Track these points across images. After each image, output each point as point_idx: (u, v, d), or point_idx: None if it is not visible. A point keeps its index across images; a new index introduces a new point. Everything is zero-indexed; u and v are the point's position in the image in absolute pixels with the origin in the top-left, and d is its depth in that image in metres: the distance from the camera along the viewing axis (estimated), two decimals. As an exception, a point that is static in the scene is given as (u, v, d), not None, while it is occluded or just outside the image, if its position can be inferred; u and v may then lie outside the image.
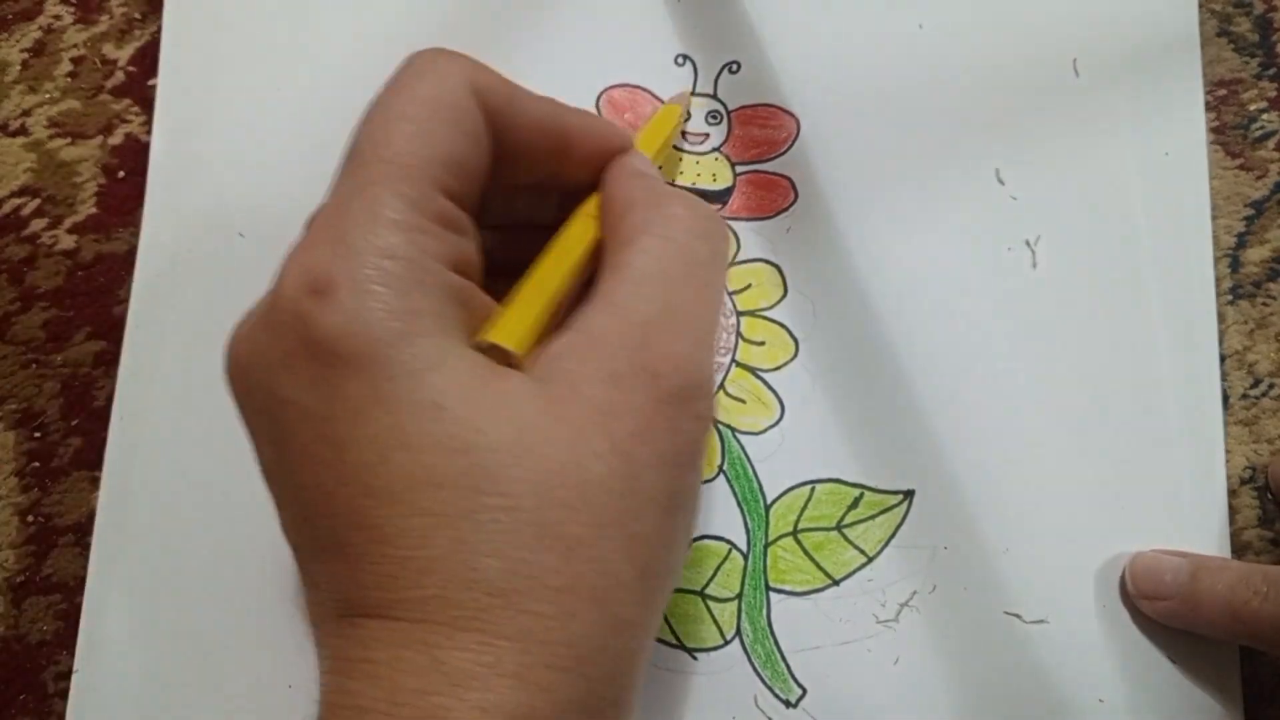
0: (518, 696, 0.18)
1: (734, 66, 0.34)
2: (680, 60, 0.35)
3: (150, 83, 0.35)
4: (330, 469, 0.19)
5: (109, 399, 0.33)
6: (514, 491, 0.18)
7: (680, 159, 0.34)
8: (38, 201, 0.35)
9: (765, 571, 0.31)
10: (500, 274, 0.23)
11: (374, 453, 0.19)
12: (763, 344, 0.33)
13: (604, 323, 0.21)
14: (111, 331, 0.34)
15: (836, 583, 0.31)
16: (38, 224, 0.35)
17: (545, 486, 0.19)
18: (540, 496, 0.19)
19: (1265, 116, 0.34)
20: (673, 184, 0.34)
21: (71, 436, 0.33)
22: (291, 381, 0.19)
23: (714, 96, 0.34)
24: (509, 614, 0.18)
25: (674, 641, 0.31)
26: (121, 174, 0.35)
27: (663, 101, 0.34)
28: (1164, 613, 0.30)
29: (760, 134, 0.34)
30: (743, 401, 0.32)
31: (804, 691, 0.30)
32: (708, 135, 0.34)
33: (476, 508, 0.18)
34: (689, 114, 0.34)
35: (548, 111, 0.24)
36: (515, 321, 0.21)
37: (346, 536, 0.19)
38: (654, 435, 0.20)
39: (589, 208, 0.24)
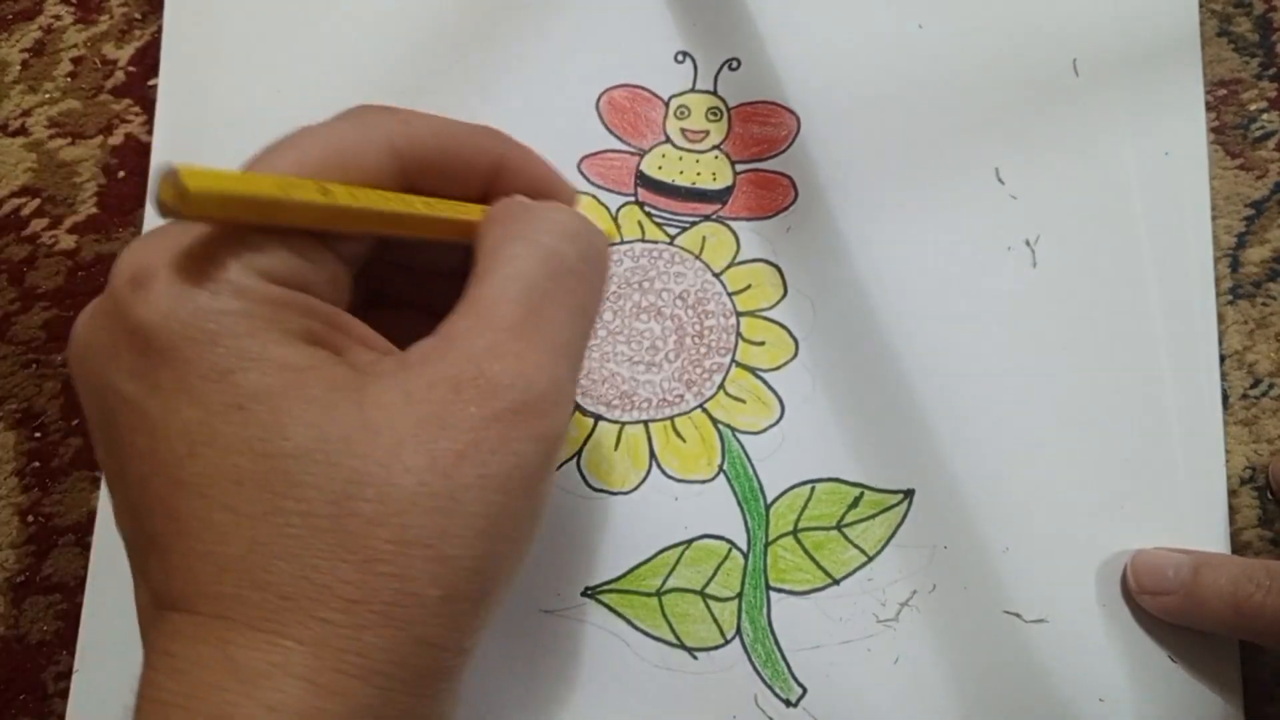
0: (307, 698, 0.18)
1: (734, 64, 0.34)
2: (680, 57, 0.35)
3: (150, 83, 0.35)
4: (146, 458, 0.19)
5: (109, 399, 0.33)
6: (310, 498, 0.18)
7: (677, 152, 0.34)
8: (38, 201, 0.35)
9: (765, 571, 0.31)
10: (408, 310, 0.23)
11: (184, 445, 0.19)
12: (763, 344, 0.33)
13: (461, 326, 0.20)
14: (111, 331, 0.34)
15: (837, 582, 0.31)
16: (38, 224, 0.35)
17: (345, 497, 0.18)
18: (338, 506, 0.18)
19: (1265, 116, 0.34)
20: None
21: (71, 436, 0.33)
22: (115, 368, 0.19)
23: (714, 93, 0.34)
24: (300, 618, 0.18)
25: (674, 641, 0.31)
26: (121, 174, 0.35)
27: (663, 100, 0.34)
28: (1166, 608, 0.30)
29: (760, 131, 0.34)
30: (743, 401, 0.32)
31: (804, 691, 0.30)
32: (708, 133, 0.34)
33: (273, 510, 0.18)
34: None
35: (485, 158, 0.24)
36: (224, 175, 0.19)
37: (158, 527, 0.19)
38: (480, 454, 0.19)
39: (460, 207, 0.23)
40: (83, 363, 0.20)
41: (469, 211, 0.23)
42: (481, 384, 0.19)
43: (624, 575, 0.31)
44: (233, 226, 0.20)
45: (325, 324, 0.21)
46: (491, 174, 0.24)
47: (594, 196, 0.33)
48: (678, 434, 0.32)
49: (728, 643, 0.31)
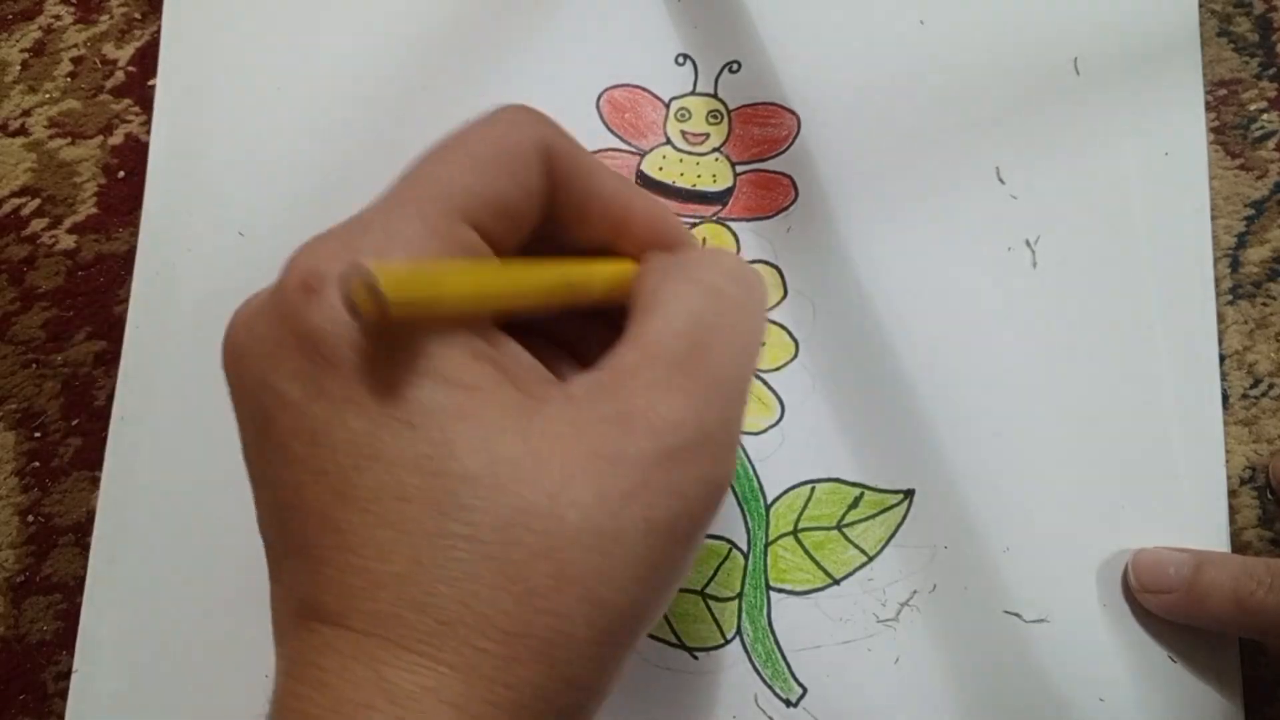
0: None
1: (734, 66, 0.34)
2: (681, 60, 0.35)
3: (150, 83, 0.35)
4: (305, 465, 0.19)
5: (109, 399, 0.33)
6: (477, 523, 0.18)
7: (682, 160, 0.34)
8: (38, 201, 0.35)
9: (766, 571, 0.31)
10: (542, 332, 0.23)
11: (348, 457, 0.18)
12: (763, 344, 0.33)
13: (629, 359, 0.20)
14: (111, 331, 0.34)
15: (837, 582, 0.31)
16: (38, 224, 0.35)
17: (510, 526, 0.18)
18: (503, 534, 0.18)
19: (1265, 116, 0.34)
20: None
21: (71, 436, 0.33)
22: (279, 370, 0.19)
23: (714, 96, 0.34)
24: (455, 644, 0.18)
25: (674, 640, 0.31)
26: (121, 174, 0.35)
27: (664, 102, 0.34)
28: (1167, 606, 0.30)
29: (761, 132, 0.34)
30: (743, 401, 0.32)
31: (804, 690, 0.30)
32: (708, 135, 0.34)
33: (438, 532, 0.18)
34: None
35: (614, 189, 0.23)
36: (418, 277, 0.18)
37: (313, 537, 0.19)
38: (649, 494, 0.18)
39: (615, 262, 0.23)
40: (241, 360, 0.20)
41: (624, 273, 0.23)
42: (654, 420, 0.19)
43: (624, 575, 0.31)
44: (427, 241, 0.20)
45: (491, 344, 0.20)
46: (617, 210, 0.23)
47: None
48: (678, 434, 0.32)
49: (728, 642, 0.31)
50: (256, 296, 0.20)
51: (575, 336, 0.25)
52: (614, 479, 0.18)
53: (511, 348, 0.21)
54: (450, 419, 0.18)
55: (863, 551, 0.31)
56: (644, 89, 0.34)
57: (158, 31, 0.35)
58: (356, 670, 0.18)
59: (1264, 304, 0.33)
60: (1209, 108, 0.34)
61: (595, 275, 0.23)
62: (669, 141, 0.34)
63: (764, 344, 0.23)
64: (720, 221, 0.33)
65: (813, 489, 0.32)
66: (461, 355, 0.19)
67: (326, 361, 0.18)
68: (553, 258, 0.22)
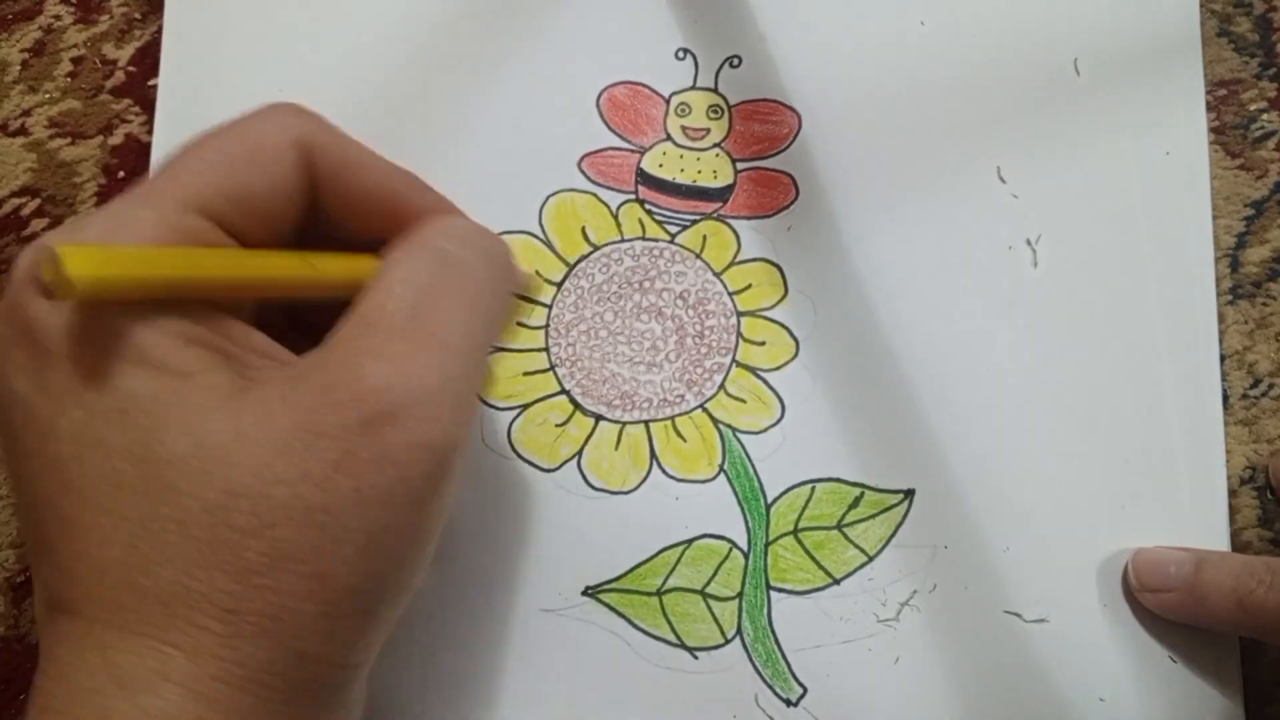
0: (186, 705, 0.18)
1: (735, 61, 0.34)
2: (681, 54, 0.35)
3: (150, 83, 0.35)
4: (37, 458, 0.19)
5: (109, 398, 0.33)
6: (186, 506, 0.18)
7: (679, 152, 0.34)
8: (38, 201, 0.35)
9: (766, 570, 0.31)
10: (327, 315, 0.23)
11: (70, 447, 0.19)
12: (763, 344, 0.33)
13: (346, 330, 0.20)
14: (112, 331, 0.34)
15: (837, 582, 0.31)
16: (38, 224, 0.35)
17: (219, 508, 0.18)
18: (213, 515, 0.18)
19: (1265, 116, 0.34)
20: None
21: (72, 436, 0.33)
22: (11, 367, 0.19)
23: (715, 91, 0.34)
24: (178, 624, 0.18)
25: (674, 640, 0.31)
26: (121, 174, 0.35)
27: (664, 97, 0.34)
28: (1168, 605, 0.30)
29: (761, 129, 0.34)
30: (743, 401, 0.32)
31: (805, 690, 0.30)
32: (708, 130, 0.34)
33: (151, 516, 0.18)
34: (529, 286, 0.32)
35: (385, 183, 0.23)
36: (105, 255, 0.18)
37: (48, 528, 0.19)
38: (356, 464, 0.18)
39: (363, 259, 0.23)
40: None
41: (371, 266, 0.22)
42: (356, 388, 0.19)
43: (624, 575, 0.31)
44: (154, 233, 0.20)
45: (215, 330, 0.20)
46: (391, 205, 0.23)
47: (594, 194, 0.33)
48: (678, 434, 0.32)
49: (728, 642, 0.31)
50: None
51: None
52: (319, 452, 0.18)
53: (237, 330, 0.21)
54: (158, 405, 0.19)
55: (863, 551, 0.31)
56: (644, 85, 0.34)
57: (158, 31, 0.35)
58: (89, 658, 0.18)
59: (1264, 304, 0.33)
60: (1209, 108, 0.34)
61: (340, 261, 0.22)
62: (669, 137, 0.34)
63: (506, 304, 0.23)
64: (720, 219, 0.33)
65: (813, 489, 0.32)
66: (172, 341, 0.19)
67: (47, 353, 0.19)
68: (307, 250, 0.22)
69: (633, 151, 0.34)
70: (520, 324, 0.32)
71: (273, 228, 0.22)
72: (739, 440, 0.32)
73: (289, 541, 0.18)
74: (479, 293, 0.21)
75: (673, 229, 0.33)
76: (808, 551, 0.31)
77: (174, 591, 0.18)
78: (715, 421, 0.32)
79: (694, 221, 0.33)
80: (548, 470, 0.31)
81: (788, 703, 0.30)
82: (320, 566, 0.18)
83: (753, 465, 0.32)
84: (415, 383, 0.19)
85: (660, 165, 0.34)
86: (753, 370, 0.32)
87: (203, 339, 0.20)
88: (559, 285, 0.33)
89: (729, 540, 0.31)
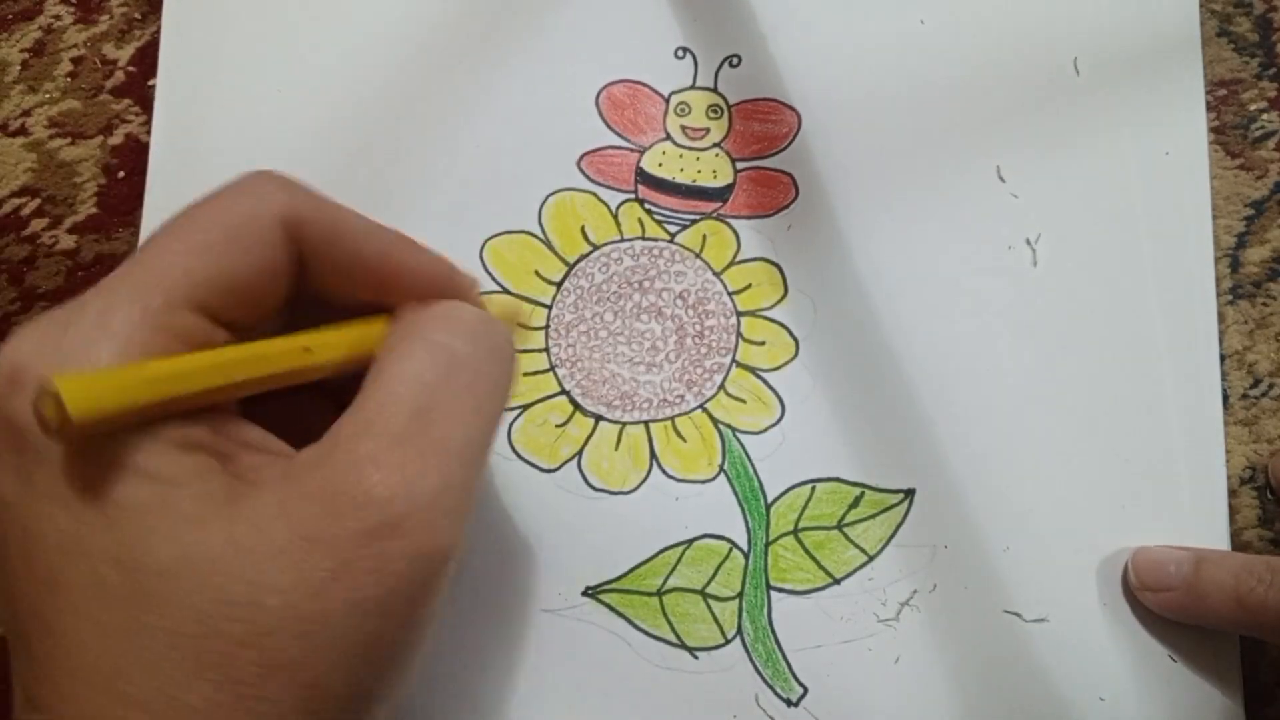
0: None
1: (735, 60, 0.34)
2: (680, 53, 0.35)
3: (150, 83, 0.35)
4: (22, 559, 0.19)
5: (109, 399, 0.33)
6: (175, 616, 0.18)
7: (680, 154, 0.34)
8: (38, 201, 0.35)
9: (766, 570, 0.31)
10: (323, 389, 0.22)
11: (56, 551, 0.18)
12: (763, 344, 0.33)
13: (346, 429, 0.19)
14: (112, 331, 0.34)
15: (837, 581, 0.31)
16: (38, 224, 0.35)
17: (210, 617, 0.18)
18: (204, 625, 0.18)
19: (1265, 116, 0.34)
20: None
21: (72, 436, 0.33)
22: None
23: (714, 90, 0.34)
24: None
25: (675, 640, 0.31)
26: (121, 174, 0.35)
27: (663, 97, 0.34)
28: (1168, 604, 0.30)
29: (761, 129, 0.34)
30: (743, 401, 0.32)
31: (805, 690, 0.30)
32: (708, 130, 0.34)
33: (136, 626, 0.18)
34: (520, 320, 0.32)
35: (377, 247, 0.23)
36: (103, 385, 0.18)
37: (28, 629, 0.19)
38: (353, 575, 0.18)
39: (364, 326, 0.22)
40: None
41: (369, 336, 0.22)
42: (358, 496, 0.18)
43: (625, 575, 0.31)
44: (142, 333, 0.19)
45: (207, 429, 0.20)
46: (383, 270, 0.23)
47: (594, 193, 0.33)
48: (678, 434, 0.32)
49: (728, 642, 0.31)
50: None
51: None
52: (316, 561, 0.18)
53: (230, 425, 0.20)
54: (147, 514, 0.18)
55: (863, 551, 0.31)
56: (643, 84, 0.34)
57: (158, 31, 0.35)
58: None
59: (1264, 304, 0.33)
60: (1209, 108, 0.34)
61: (337, 338, 0.22)
62: (669, 137, 0.34)
63: (507, 399, 0.22)
64: (720, 218, 0.33)
65: (813, 488, 0.32)
66: (165, 448, 0.19)
67: (35, 457, 0.18)
68: (300, 331, 0.22)
69: (632, 151, 0.34)
70: (520, 324, 0.32)
71: (263, 308, 0.22)
72: (739, 440, 0.32)
73: (281, 651, 0.18)
74: (484, 393, 0.21)
75: (672, 228, 0.33)
76: (808, 551, 0.31)
77: (159, 701, 0.18)
78: (715, 421, 0.32)
79: (694, 221, 0.33)
80: (548, 471, 0.31)
81: (788, 703, 0.30)
82: (312, 675, 0.18)
83: (753, 465, 0.32)
84: (418, 493, 0.19)
85: (660, 165, 0.34)
86: (753, 370, 0.32)
87: (195, 441, 0.19)
88: (559, 285, 0.33)
89: (729, 540, 0.31)
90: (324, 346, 0.22)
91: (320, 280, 0.22)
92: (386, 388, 0.20)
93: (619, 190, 0.34)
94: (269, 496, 0.19)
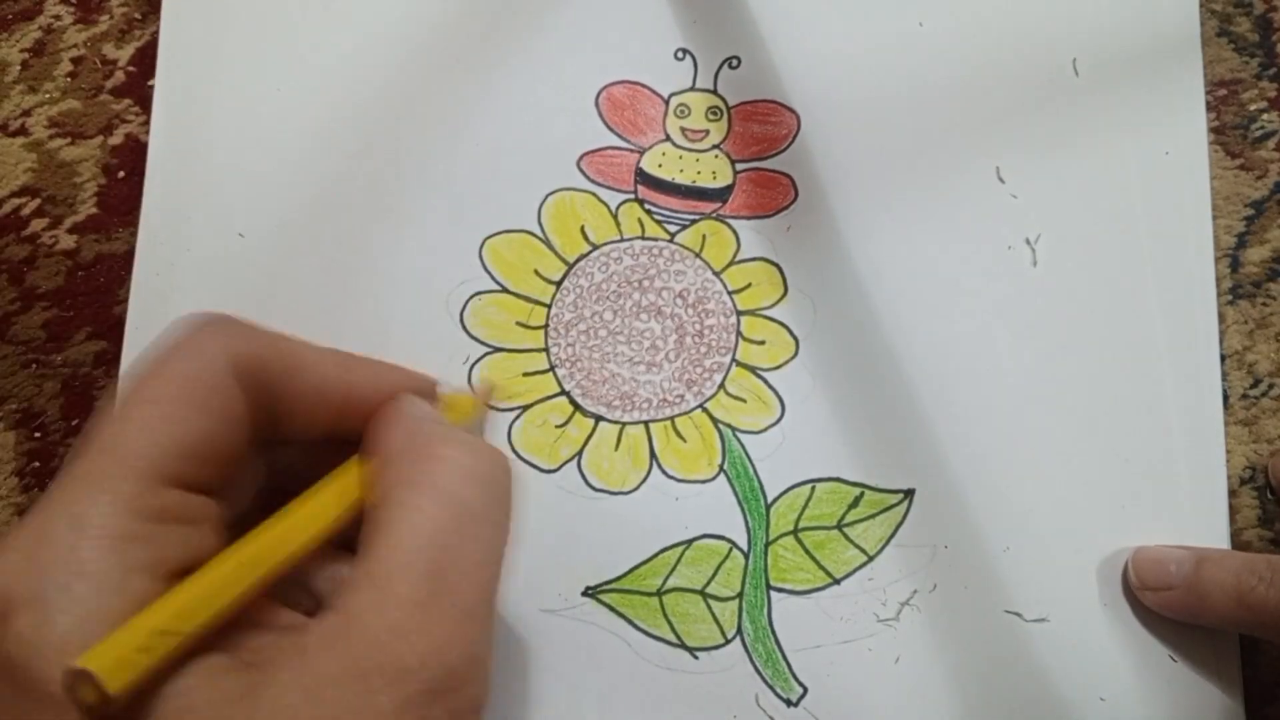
0: None
1: (734, 62, 0.34)
2: (680, 55, 0.35)
3: (150, 83, 0.35)
4: None
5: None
6: None
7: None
8: (38, 201, 0.35)
9: (766, 570, 0.31)
10: (302, 487, 0.22)
11: None
12: (763, 343, 0.33)
13: (363, 599, 0.19)
14: (111, 331, 0.34)
15: (837, 581, 0.31)
16: (38, 224, 0.35)
17: None
18: None
19: (1265, 116, 0.34)
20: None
21: (71, 436, 0.33)
22: None
23: (714, 92, 0.34)
24: None
25: (675, 640, 0.31)
26: (121, 174, 0.35)
27: (663, 98, 0.34)
28: (1168, 604, 0.30)
29: (760, 130, 0.34)
30: (743, 401, 0.32)
31: (805, 690, 0.30)
32: (708, 132, 0.34)
33: None
34: (488, 405, 0.31)
35: (330, 374, 0.22)
36: (121, 646, 0.18)
37: None
38: None
39: (342, 476, 0.22)
40: None
41: (349, 486, 0.22)
42: (389, 671, 0.18)
43: (625, 575, 0.31)
44: (123, 523, 0.19)
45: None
46: (343, 391, 0.22)
47: (593, 193, 0.33)
48: (678, 434, 0.32)
49: (728, 642, 0.31)
50: None
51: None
52: None
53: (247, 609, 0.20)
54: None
55: (863, 551, 0.31)
56: (643, 85, 0.34)
57: (158, 31, 0.35)
58: None
59: (1264, 304, 0.33)
60: (1209, 108, 0.34)
61: (325, 494, 0.21)
62: (668, 138, 0.34)
63: (510, 537, 0.22)
64: (720, 219, 0.33)
65: (813, 488, 0.32)
66: (168, 666, 0.18)
67: (25, 689, 0.18)
68: (279, 510, 0.21)
69: (632, 151, 0.34)
70: (520, 324, 0.32)
71: (231, 463, 0.21)
72: (739, 440, 0.32)
73: None
74: (493, 542, 0.21)
75: (672, 228, 0.33)
76: (808, 551, 0.31)
77: None
78: (715, 421, 0.32)
79: (693, 221, 0.33)
80: (548, 471, 0.31)
81: (788, 703, 0.30)
82: None
83: (753, 465, 0.32)
84: (449, 658, 0.19)
85: (659, 165, 0.34)
86: (752, 369, 0.32)
87: (197, 644, 0.19)
88: (558, 285, 0.33)
89: (729, 540, 0.31)
90: (310, 515, 0.21)
91: (282, 416, 0.22)
92: (396, 548, 0.19)
93: (619, 190, 0.34)
94: (288, 679, 0.18)
